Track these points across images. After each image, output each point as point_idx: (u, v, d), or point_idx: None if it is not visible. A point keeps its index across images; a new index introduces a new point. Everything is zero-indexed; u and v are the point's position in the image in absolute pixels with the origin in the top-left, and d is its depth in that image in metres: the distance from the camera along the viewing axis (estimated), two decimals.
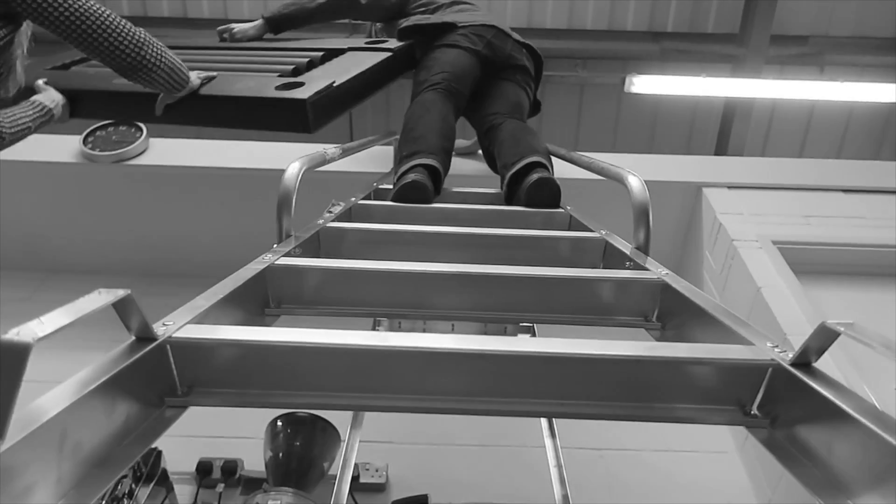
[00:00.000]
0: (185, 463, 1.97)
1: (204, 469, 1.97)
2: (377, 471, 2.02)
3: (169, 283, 2.07)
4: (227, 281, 0.77)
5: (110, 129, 2.76)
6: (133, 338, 0.55)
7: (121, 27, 1.54)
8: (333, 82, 1.76)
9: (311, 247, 1.08)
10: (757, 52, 4.09)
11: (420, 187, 1.58)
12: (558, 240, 1.18)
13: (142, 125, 2.76)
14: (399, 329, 1.78)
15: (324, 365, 0.60)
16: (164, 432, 0.54)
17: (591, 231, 1.23)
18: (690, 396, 0.61)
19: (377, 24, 2.53)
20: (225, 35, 2.53)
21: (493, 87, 2.13)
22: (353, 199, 1.48)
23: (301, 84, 1.76)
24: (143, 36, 1.59)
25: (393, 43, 2.16)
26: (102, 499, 1.63)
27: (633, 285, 0.88)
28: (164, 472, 1.87)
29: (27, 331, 0.37)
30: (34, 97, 1.81)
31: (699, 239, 2.71)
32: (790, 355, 0.58)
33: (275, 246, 0.99)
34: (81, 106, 1.93)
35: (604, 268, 1.15)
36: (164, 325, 0.59)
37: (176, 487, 1.93)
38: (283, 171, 1.12)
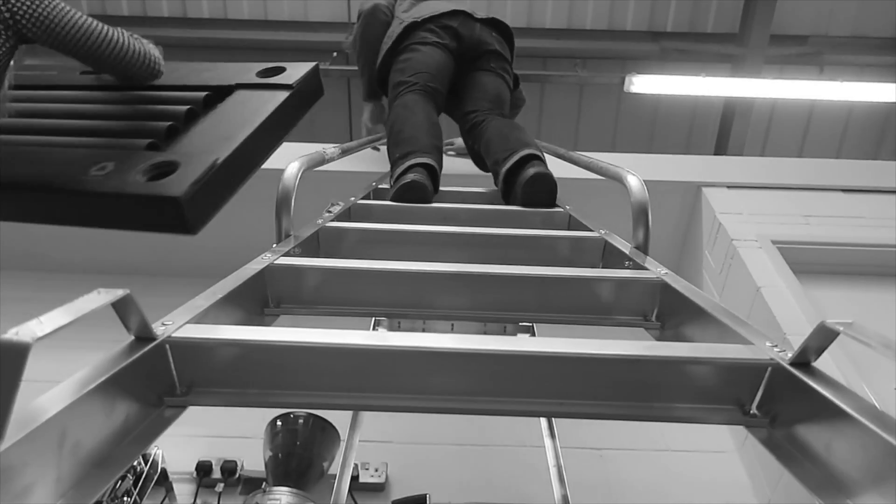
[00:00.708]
0: (184, 463, 1.97)
1: (203, 469, 1.97)
2: (376, 470, 2.02)
3: (168, 283, 2.07)
4: (227, 280, 0.77)
5: None
6: (132, 337, 0.55)
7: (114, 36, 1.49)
8: (217, 160, 1.27)
9: (311, 246, 1.08)
10: (756, 51, 4.10)
11: (419, 187, 1.57)
12: (558, 239, 1.18)
13: None
14: (398, 329, 1.78)
15: (323, 364, 0.60)
16: (164, 432, 0.54)
17: (591, 230, 1.23)
18: (690, 396, 0.61)
19: None
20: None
21: (470, 81, 2.07)
22: (353, 198, 1.48)
23: (172, 167, 1.25)
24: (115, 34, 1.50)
25: (296, 70, 1.62)
26: (102, 498, 1.63)
27: (632, 285, 0.88)
28: (164, 471, 1.88)
29: (26, 330, 0.37)
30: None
31: (699, 239, 2.71)
32: (789, 355, 0.58)
33: (274, 245, 0.99)
34: None
35: (603, 267, 1.15)
36: (163, 324, 0.59)
37: (175, 487, 1.93)
38: (282, 170, 1.12)
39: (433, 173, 1.66)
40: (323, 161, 1.35)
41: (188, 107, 1.45)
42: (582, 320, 0.90)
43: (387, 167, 2.27)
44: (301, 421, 1.83)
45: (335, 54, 4.25)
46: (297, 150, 1.26)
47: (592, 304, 0.89)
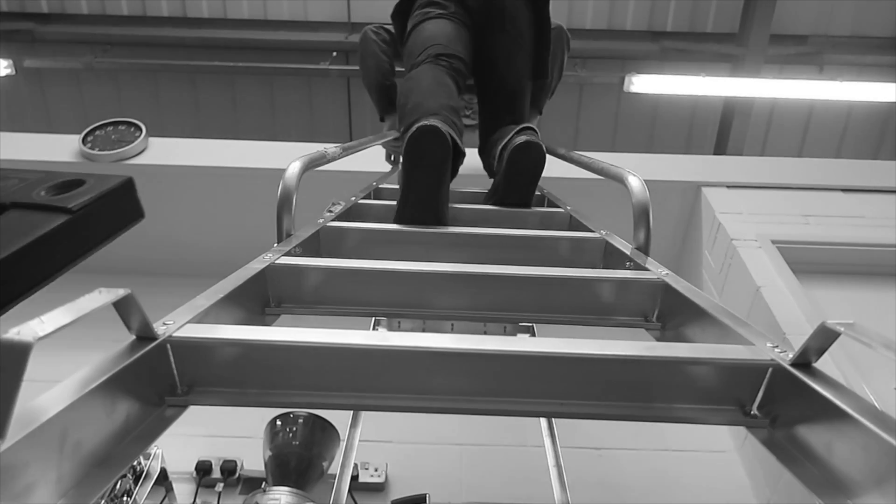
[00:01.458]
0: (184, 462, 1.97)
1: (203, 468, 1.97)
2: (376, 470, 2.02)
3: (169, 282, 2.07)
4: (228, 280, 0.77)
5: (109, 128, 2.76)
6: (133, 337, 0.55)
7: None
8: None
9: (312, 246, 1.08)
10: (756, 51, 4.10)
11: (431, 131, 1.22)
12: (558, 240, 1.18)
13: (140, 124, 2.75)
14: (398, 329, 1.78)
15: (323, 364, 0.60)
16: (164, 432, 0.54)
17: (591, 231, 1.23)
18: (690, 396, 0.61)
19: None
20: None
21: (488, 61, 1.84)
22: (354, 198, 1.48)
23: None
24: None
25: (100, 183, 1.26)
26: (102, 498, 1.63)
27: (633, 285, 0.88)
28: (164, 471, 1.87)
29: (28, 330, 0.37)
30: None
31: (698, 238, 2.71)
32: (790, 355, 0.58)
33: (275, 245, 0.99)
34: None
35: (604, 268, 1.15)
36: (164, 324, 0.59)
37: (175, 487, 1.93)
38: (283, 170, 1.12)
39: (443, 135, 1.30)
40: (324, 160, 1.35)
41: None
42: (582, 321, 0.90)
43: (387, 167, 2.27)
44: (301, 421, 1.83)
45: (335, 54, 4.25)
46: (298, 150, 1.26)
47: (593, 304, 0.89)
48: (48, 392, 0.44)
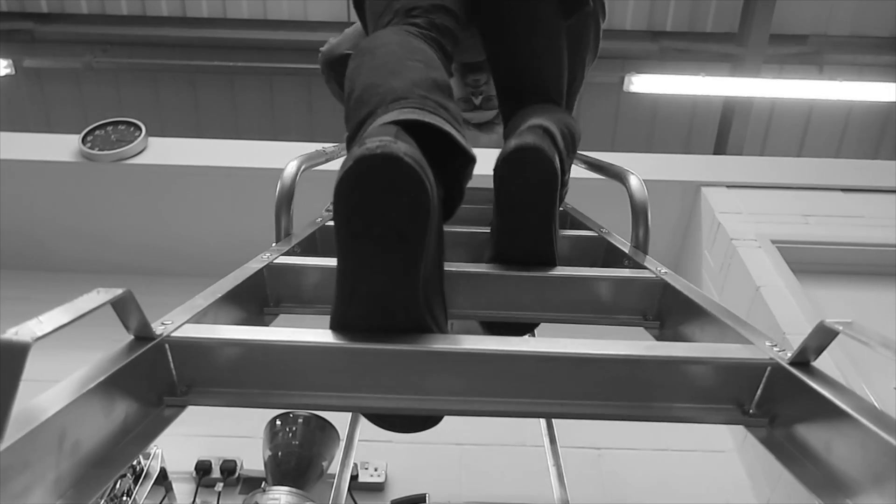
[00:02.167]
0: (184, 462, 1.97)
1: (203, 468, 1.97)
2: (376, 470, 2.02)
3: (167, 282, 2.07)
4: (226, 280, 0.77)
5: (109, 128, 2.75)
6: (132, 337, 0.55)
7: None
8: None
9: (310, 245, 1.08)
10: (756, 51, 4.09)
11: (387, 162, 0.58)
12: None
13: (140, 124, 2.75)
14: None
15: (322, 364, 0.60)
16: (163, 431, 0.54)
17: (590, 230, 1.23)
18: (689, 395, 0.61)
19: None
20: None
21: (507, 26, 1.18)
22: None
23: None
24: None
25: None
26: (101, 498, 1.63)
27: (631, 284, 0.88)
28: (163, 471, 1.87)
29: (26, 330, 0.37)
30: None
31: (698, 238, 2.71)
32: (789, 354, 0.58)
33: (273, 244, 0.99)
34: None
35: (602, 266, 1.15)
36: (162, 324, 0.59)
37: (175, 487, 1.93)
38: (281, 169, 1.12)
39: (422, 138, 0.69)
40: (323, 159, 1.35)
41: None
42: (581, 320, 0.89)
43: None
44: (300, 420, 1.83)
45: None
46: (297, 149, 1.26)
47: (592, 303, 0.89)
48: (46, 392, 0.44)
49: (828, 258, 2.37)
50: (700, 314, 0.75)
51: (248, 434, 1.97)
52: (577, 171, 1.77)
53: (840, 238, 2.40)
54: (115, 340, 0.54)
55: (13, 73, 4.16)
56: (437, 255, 0.71)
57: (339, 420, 1.77)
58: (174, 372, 0.58)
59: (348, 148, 0.84)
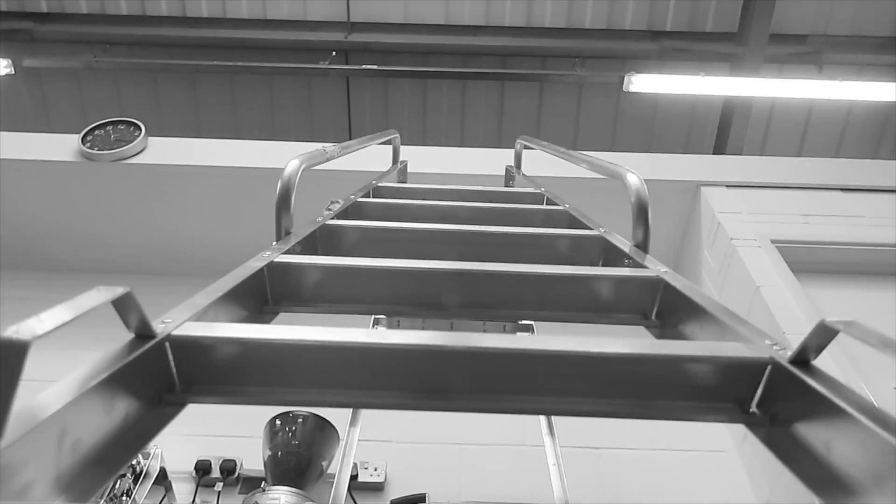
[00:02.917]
0: (183, 462, 1.97)
1: (203, 468, 1.97)
2: (376, 469, 2.02)
3: (168, 281, 2.07)
4: (227, 278, 0.77)
5: (109, 128, 2.76)
6: (132, 335, 0.55)
7: None
8: None
9: (310, 244, 1.08)
10: (755, 50, 4.10)
11: None
12: (557, 237, 1.17)
13: (140, 123, 2.76)
14: (398, 327, 1.78)
15: (323, 362, 0.60)
16: (163, 430, 0.54)
17: (590, 229, 1.23)
18: (689, 394, 0.61)
19: None
20: None
21: None
22: (353, 196, 1.48)
23: None
24: None
25: None
26: (101, 497, 1.63)
27: (631, 283, 0.88)
28: (163, 470, 1.87)
29: (26, 328, 0.37)
30: None
31: (698, 238, 2.71)
32: (789, 353, 0.58)
33: (274, 243, 0.99)
34: None
35: (603, 265, 1.15)
36: (162, 322, 0.59)
37: (175, 486, 1.93)
38: (282, 169, 1.12)
39: None
40: (323, 159, 1.35)
41: None
42: (581, 318, 0.89)
43: (385, 166, 2.27)
44: (300, 420, 1.83)
45: (334, 53, 4.25)
46: (297, 149, 1.26)
47: (592, 302, 0.89)
48: (46, 390, 0.44)
49: (827, 258, 2.37)
50: (700, 313, 0.75)
51: (247, 434, 1.97)
52: (578, 171, 1.77)
53: (840, 238, 2.40)
54: (115, 339, 0.54)
55: (13, 72, 4.16)
56: None
57: (339, 419, 1.77)
58: (174, 370, 0.58)
59: None
